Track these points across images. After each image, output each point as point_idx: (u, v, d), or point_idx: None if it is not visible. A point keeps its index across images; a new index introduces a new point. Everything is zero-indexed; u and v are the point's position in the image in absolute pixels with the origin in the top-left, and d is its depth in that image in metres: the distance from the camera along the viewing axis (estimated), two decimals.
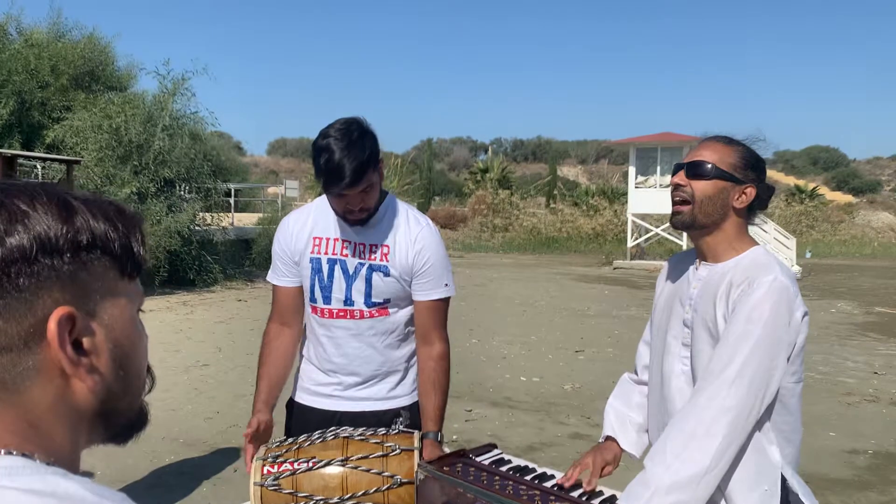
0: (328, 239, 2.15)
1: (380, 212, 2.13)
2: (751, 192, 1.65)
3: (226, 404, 5.72)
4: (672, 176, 1.71)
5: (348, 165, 1.90)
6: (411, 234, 2.13)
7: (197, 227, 14.71)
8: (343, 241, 2.14)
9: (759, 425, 1.55)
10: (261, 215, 19.93)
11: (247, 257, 16.70)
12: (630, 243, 22.97)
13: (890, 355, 8.83)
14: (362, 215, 2.05)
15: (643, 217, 22.92)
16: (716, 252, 1.68)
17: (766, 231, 20.17)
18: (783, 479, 1.59)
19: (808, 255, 26.44)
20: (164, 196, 13.40)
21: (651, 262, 21.97)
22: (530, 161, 60.60)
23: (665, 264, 1.94)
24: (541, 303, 13.04)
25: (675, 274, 1.82)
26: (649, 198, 22.06)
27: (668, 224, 19.12)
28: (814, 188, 41.64)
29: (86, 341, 0.60)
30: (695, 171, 1.65)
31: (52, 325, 0.57)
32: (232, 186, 21.98)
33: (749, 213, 1.69)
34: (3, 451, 0.55)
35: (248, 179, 35.91)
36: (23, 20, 14.30)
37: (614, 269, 21.47)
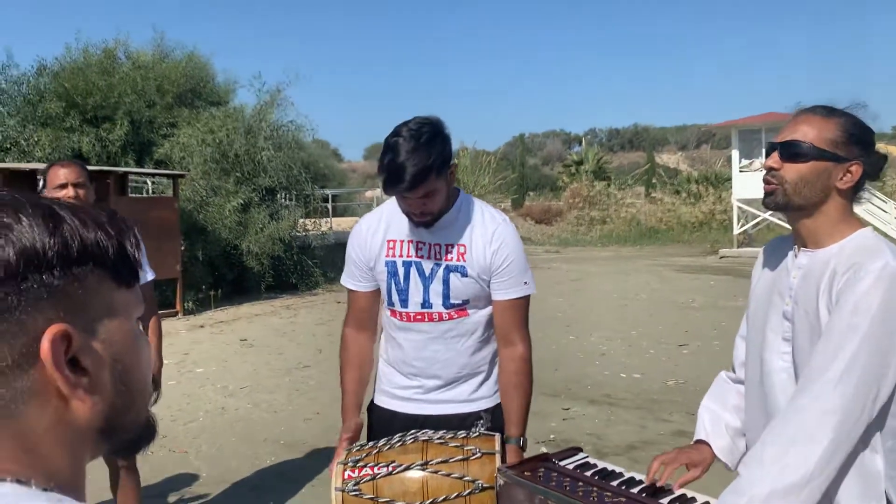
0: (402, 241, 2.11)
1: (453, 211, 2.08)
2: (856, 170, 1.47)
3: (325, 405, 5.82)
4: (766, 157, 1.55)
5: (409, 169, 1.86)
6: (487, 233, 2.07)
7: (297, 233, 15.16)
8: (417, 242, 2.10)
9: (866, 431, 1.38)
10: (358, 219, 20.39)
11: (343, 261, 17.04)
12: (736, 230, 22.01)
13: None
14: (424, 219, 2.01)
15: (749, 202, 21.88)
16: (817, 237, 1.52)
17: (886, 212, 18.85)
18: (887, 496, 1.42)
19: None
20: (265, 205, 13.88)
21: (759, 250, 20.94)
22: (627, 150, 59.22)
23: (760, 252, 1.78)
24: (641, 296, 12.65)
25: (773, 262, 1.66)
26: (755, 182, 20.94)
27: None
28: None
29: (84, 359, 0.56)
30: (790, 151, 1.49)
31: (45, 345, 0.54)
32: (330, 192, 22.57)
33: (855, 192, 1.51)
34: None
35: (345, 184, 36.82)
36: (130, 44, 15.17)
37: (720, 258, 20.60)
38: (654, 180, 36.83)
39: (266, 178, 13.87)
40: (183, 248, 11.43)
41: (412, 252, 2.10)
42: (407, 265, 2.10)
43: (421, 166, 1.87)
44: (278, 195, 14.99)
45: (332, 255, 16.90)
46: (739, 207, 21.94)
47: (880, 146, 1.58)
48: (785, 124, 1.56)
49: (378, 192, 27.85)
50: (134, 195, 13.55)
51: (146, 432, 0.64)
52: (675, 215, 30.02)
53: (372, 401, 2.31)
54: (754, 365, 1.67)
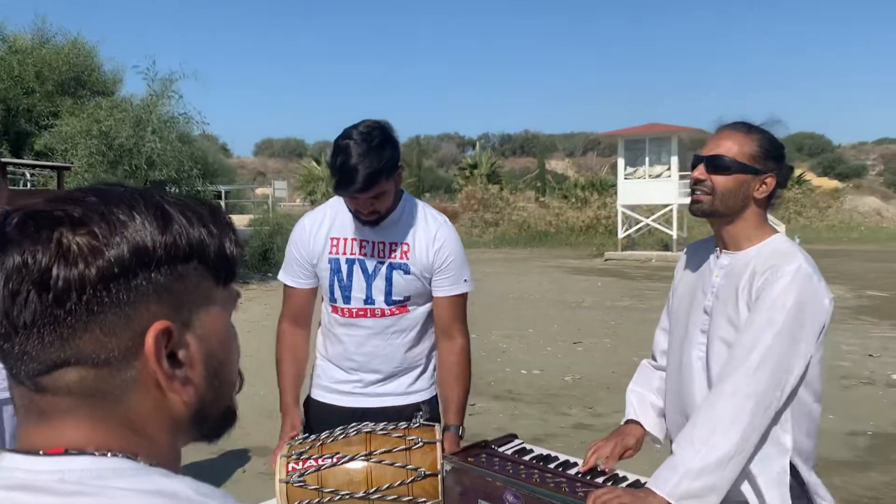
0: (346, 239, 2.16)
1: (397, 211, 2.14)
2: (771, 181, 1.67)
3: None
4: (692, 169, 1.72)
5: (361, 171, 1.91)
6: (430, 232, 2.15)
7: None
8: (361, 240, 2.15)
9: (778, 413, 1.58)
10: (251, 217, 19.89)
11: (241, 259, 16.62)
12: (621, 234, 23.07)
13: (883, 338, 8.93)
14: (371, 217, 2.07)
15: (633, 208, 23.02)
16: (737, 240, 1.70)
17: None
18: (793, 466, 1.63)
19: (798, 240, 26.46)
20: None
21: (642, 253, 22.09)
22: (518, 155, 60.70)
23: (683, 253, 1.96)
24: (535, 296, 13.09)
25: (696, 262, 1.85)
26: (638, 189, 22.16)
27: (657, 214, 19.09)
28: (800, 174, 41.82)
29: (181, 354, 0.60)
30: (715, 165, 1.66)
31: (149, 341, 0.57)
32: (222, 189, 21.90)
33: (769, 200, 1.71)
34: (109, 454, 0.57)
35: (235, 181, 35.76)
36: (6, 27, 14.20)
37: (606, 260, 21.55)
38: (542, 185, 37.96)
39: (156, 171, 13.35)
40: None
41: (356, 250, 2.15)
42: (350, 262, 2.15)
43: (372, 169, 1.92)
44: (168, 189, 14.46)
45: None
46: (623, 213, 22.99)
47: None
48: (709, 139, 1.74)
49: (270, 189, 27.28)
50: (11, 188, 12.67)
51: (229, 419, 0.68)
52: (564, 219, 31.14)
53: (309, 395, 2.34)
54: (675, 355, 1.84)
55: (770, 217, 1.77)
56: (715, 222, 1.72)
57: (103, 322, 0.56)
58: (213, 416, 0.66)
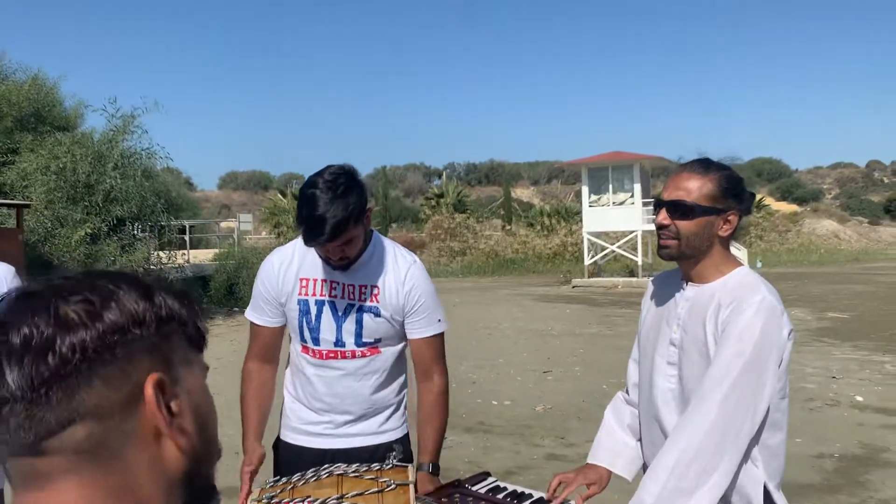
0: (315, 280, 2.14)
1: (367, 253, 2.13)
2: (734, 218, 1.71)
3: None
4: (655, 213, 1.75)
5: (329, 221, 1.90)
6: (400, 273, 2.14)
7: (152, 266, 14.43)
8: (332, 282, 2.13)
9: (749, 444, 1.60)
10: (216, 251, 19.66)
11: (205, 294, 16.41)
12: (587, 261, 23.27)
13: (845, 359, 9.11)
14: (341, 263, 2.06)
15: (598, 235, 23.28)
16: (703, 275, 1.74)
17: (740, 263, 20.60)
18: (766, 492, 1.65)
19: (759, 265, 27.15)
20: (116, 236, 13.14)
21: (609, 279, 22.30)
22: (484, 184, 61.09)
23: (649, 284, 1.99)
24: (504, 325, 13.11)
25: (661, 294, 1.87)
26: (603, 216, 22.45)
27: (622, 241, 19.28)
28: (760, 199, 42.79)
29: (174, 404, 0.64)
30: (677, 209, 1.69)
31: (148, 390, 0.62)
32: (186, 223, 21.65)
33: (732, 234, 1.75)
34: None
35: (199, 215, 35.39)
36: None
37: (573, 287, 21.71)
38: (508, 213, 38.24)
39: (117, 207, 13.15)
40: (25, 283, 10.56)
41: (325, 291, 2.13)
42: (320, 304, 2.13)
43: (340, 217, 1.91)
44: (130, 225, 14.24)
45: (190, 288, 16.19)
46: (589, 240, 23.23)
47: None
48: (667, 181, 1.77)
49: (236, 222, 27.03)
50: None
51: (212, 489, 0.71)
52: (531, 247, 31.36)
53: (278, 437, 2.31)
54: (645, 386, 1.86)
55: (731, 242, 1.80)
56: (681, 262, 1.76)
57: (105, 378, 0.61)
58: (203, 477, 0.69)
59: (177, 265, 15.63)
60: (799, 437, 5.65)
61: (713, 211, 1.68)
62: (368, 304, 2.12)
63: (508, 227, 34.75)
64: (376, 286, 2.12)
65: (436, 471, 2.17)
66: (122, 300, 0.63)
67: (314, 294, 2.14)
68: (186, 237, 20.78)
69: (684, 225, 1.69)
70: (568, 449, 5.53)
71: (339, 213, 1.90)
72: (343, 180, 1.95)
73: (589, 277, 22.77)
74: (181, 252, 17.97)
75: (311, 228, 1.92)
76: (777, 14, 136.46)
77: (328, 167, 2.02)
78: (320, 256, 2.09)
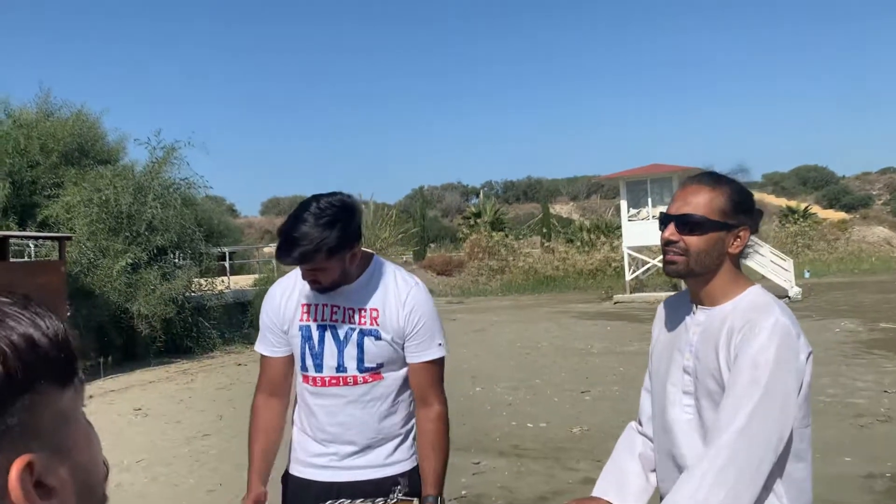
0: (317, 305, 2.12)
1: (365, 276, 2.11)
2: (745, 235, 1.61)
3: (228, 475, 5.59)
4: (661, 230, 1.65)
5: (299, 247, 1.91)
6: (401, 296, 2.11)
7: (192, 294, 14.65)
8: (332, 306, 2.11)
9: (770, 475, 1.49)
10: (257, 276, 19.90)
11: (245, 320, 16.60)
12: (628, 276, 22.94)
13: None
14: (314, 287, 2.05)
15: (639, 249, 22.94)
16: (713, 296, 1.64)
17: (762, 255, 20.19)
18: None
19: (807, 275, 26.42)
20: (157, 265, 13.38)
21: (651, 294, 21.92)
22: (522, 201, 60.95)
23: (659, 308, 1.89)
24: (543, 344, 12.93)
25: (671, 319, 1.77)
26: (643, 230, 22.11)
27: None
28: (806, 207, 41.86)
29: (48, 479, 0.55)
30: (686, 224, 1.60)
31: (12, 482, 0.52)
32: (226, 250, 21.98)
33: (742, 252, 1.65)
34: None
35: (242, 241, 35.96)
36: (11, 102, 14.49)
37: (615, 303, 21.39)
38: (548, 230, 38.02)
39: (157, 236, 13.41)
40: (69, 313, 10.81)
41: (327, 316, 2.11)
42: (321, 329, 2.11)
43: (309, 247, 1.91)
44: (170, 254, 14.50)
45: (230, 314, 16.41)
46: (630, 255, 22.92)
47: (755, 196, 1.74)
48: (675, 195, 1.68)
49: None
50: (15, 259, 12.75)
51: None
52: (571, 263, 31.06)
53: (287, 470, 2.26)
54: (659, 417, 1.76)
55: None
56: (690, 280, 1.66)
57: None
58: None
59: (217, 291, 15.83)
60: (848, 456, 5.40)
61: (724, 226, 1.59)
62: (369, 326, 2.09)
63: (547, 244, 34.52)
64: (375, 308, 2.10)
65: (441, 503, 2.09)
66: None
67: (315, 319, 2.12)
68: (227, 263, 21.09)
69: (693, 241, 1.59)
70: None
71: (310, 242, 1.91)
72: (331, 212, 1.95)
73: (631, 293, 22.42)
74: (221, 279, 18.22)
75: (280, 247, 1.96)
76: (813, 17, 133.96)
77: (332, 194, 2.02)
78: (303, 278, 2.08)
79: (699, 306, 1.67)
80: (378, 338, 2.08)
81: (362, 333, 2.08)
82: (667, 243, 1.63)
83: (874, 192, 65.15)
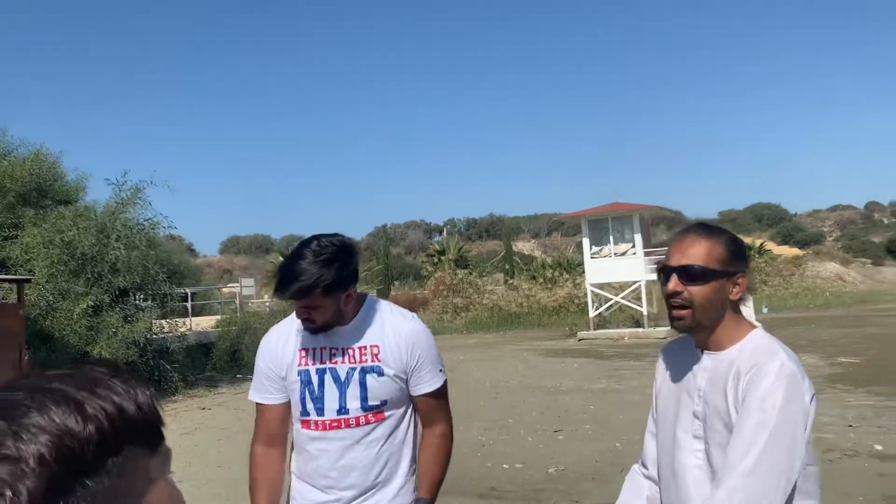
0: (315, 349, 2.12)
1: (361, 314, 2.13)
2: (743, 281, 1.67)
3: None
4: (664, 283, 1.69)
5: (296, 283, 1.94)
6: (401, 331, 2.13)
7: (154, 336, 14.34)
8: (331, 348, 2.11)
9: None
10: (219, 317, 19.57)
11: (207, 362, 16.28)
12: (592, 313, 23.13)
13: (861, 406, 8.93)
14: (307, 325, 2.07)
15: (602, 286, 23.20)
16: (719, 342, 1.69)
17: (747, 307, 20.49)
18: None
19: (765, 310, 26.99)
20: (119, 306, 13.09)
21: (615, 331, 22.12)
22: (485, 238, 61.33)
23: (660, 354, 1.93)
24: (512, 382, 12.93)
25: (676, 364, 1.81)
26: (606, 267, 22.41)
27: (626, 291, 19.11)
28: (761, 244, 42.96)
29: None
30: (689, 275, 1.65)
31: None
32: (188, 290, 21.63)
33: (741, 297, 1.71)
34: None
35: (201, 281, 35.42)
36: None
37: (579, 340, 21.52)
38: (511, 267, 38.25)
39: (120, 278, 13.15)
40: (26, 357, 10.48)
41: (326, 358, 2.10)
42: (321, 372, 2.10)
43: (306, 283, 1.94)
44: (132, 295, 14.21)
45: (193, 357, 16.09)
46: (593, 291, 23.15)
47: None
48: (671, 247, 1.73)
49: (238, 287, 27.02)
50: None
51: None
52: (535, 300, 31.22)
53: None
54: (667, 462, 1.78)
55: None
56: (698, 333, 1.71)
57: None
58: None
59: (179, 333, 15.52)
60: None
61: (724, 274, 1.65)
62: (370, 363, 2.10)
63: (511, 281, 34.70)
64: (376, 345, 2.11)
65: None
66: (54, 438, 0.51)
67: (314, 363, 2.11)
68: (188, 304, 20.74)
69: (697, 290, 1.64)
70: None
71: (307, 279, 1.94)
72: (330, 251, 1.98)
73: (595, 329, 22.59)
74: (183, 320, 17.88)
75: (279, 282, 1.99)
76: (763, 55, 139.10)
77: (332, 235, 2.05)
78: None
79: (706, 351, 1.71)
80: (381, 374, 2.09)
81: (364, 371, 2.09)
82: (671, 295, 1.68)
83: (825, 229, 67.27)
